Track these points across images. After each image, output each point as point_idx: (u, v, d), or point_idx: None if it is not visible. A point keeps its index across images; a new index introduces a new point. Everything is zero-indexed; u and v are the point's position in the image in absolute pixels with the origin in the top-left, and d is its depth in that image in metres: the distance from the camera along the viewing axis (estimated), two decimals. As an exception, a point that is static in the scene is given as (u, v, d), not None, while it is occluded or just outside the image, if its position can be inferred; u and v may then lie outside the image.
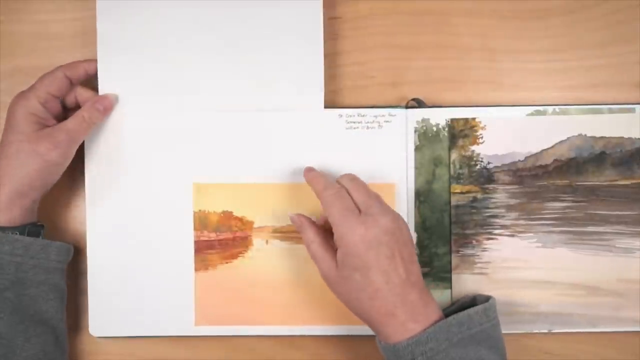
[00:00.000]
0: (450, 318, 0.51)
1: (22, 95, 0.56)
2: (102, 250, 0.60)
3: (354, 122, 0.59)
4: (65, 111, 0.59)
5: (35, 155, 0.54)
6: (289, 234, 0.60)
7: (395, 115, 0.60)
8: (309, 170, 0.57)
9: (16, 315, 0.53)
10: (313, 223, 0.55)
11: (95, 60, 0.59)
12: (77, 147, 0.57)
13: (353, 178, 0.55)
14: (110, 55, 0.59)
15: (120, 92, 0.59)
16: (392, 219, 0.52)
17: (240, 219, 0.60)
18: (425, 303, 0.51)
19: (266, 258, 0.60)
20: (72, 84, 0.58)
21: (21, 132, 0.54)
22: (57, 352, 0.56)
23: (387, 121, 0.60)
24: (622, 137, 0.60)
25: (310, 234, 0.54)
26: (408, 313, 0.50)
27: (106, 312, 0.60)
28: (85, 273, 0.60)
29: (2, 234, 0.53)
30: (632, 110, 0.60)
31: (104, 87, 0.59)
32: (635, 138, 0.60)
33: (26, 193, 0.54)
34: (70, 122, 0.56)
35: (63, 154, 0.55)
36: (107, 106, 0.58)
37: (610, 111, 0.60)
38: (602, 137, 0.60)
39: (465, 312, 0.52)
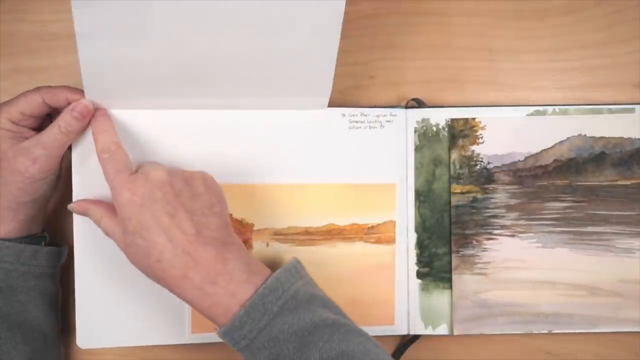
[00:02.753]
0: (259, 290, 0.46)
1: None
2: (91, 256, 0.56)
3: (357, 122, 0.59)
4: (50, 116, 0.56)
5: (15, 174, 0.51)
6: (290, 236, 0.59)
7: (396, 115, 0.60)
8: (98, 117, 0.53)
9: (4, 322, 0.52)
10: (97, 201, 0.53)
11: (79, 90, 0.53)
12: (59, 158, 0.53)
13: None
14: (96, 49, 0.50)
15: (111, 88, 0.54)
16: (169, 172, 0.48)
17: (240, 221, 0.59)
18: (224, 260, 0.47)
19: (267, 261, 0.57)
20: (50, 107, 0.53)
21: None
22: (46, 358, 0.54)
23: (388, 121, 0.59)
24: (622, 137, 0.60)
25: (97, 213, 0.51)
26: (203, 273, 0.46)
27: (95, 322, 0.56)
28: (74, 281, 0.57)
29: None
30: (632, 110, 0.60)
31: (89, 86, 0.53)
32: (635, 138, 0.60)
33: (16, 209, 0.52)
34: (46, 135, 0.52)
35: (43, 169, 0.51)
36: (83, 112, 0.52)
37: (610, 111, 0.60)
38: (602, 137, 0.60)
39: (270, 277, 0.47)
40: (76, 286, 0.56)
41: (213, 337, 0.57)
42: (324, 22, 0.51)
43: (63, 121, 0.52)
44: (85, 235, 0.56)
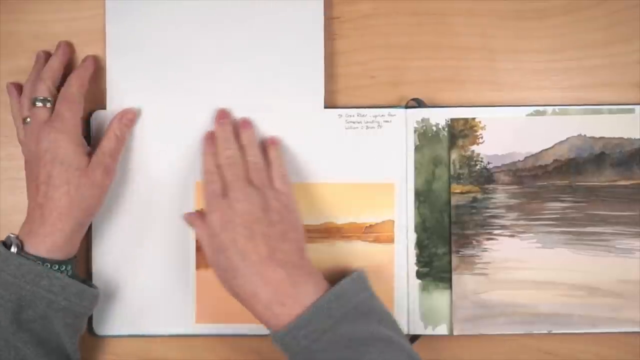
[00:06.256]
0: (326, 294, 0.50)
1: (60, 129, 0.54)
2: (105, 249, 0.59)
3: (354, 122, 0.60)
4: None
5: (93, 187, 0.54)
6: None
7: (395, 115, 0.60)
8: (208, 138, 0.58)
9: (42, 347, 0.52)
10: (204, 222, 0.55)
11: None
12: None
13: (231, 163, 0.55)
14: (118, 55, 0.59)
15: (126, 90, 0.59)
16: (250, 203, 0.53)
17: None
18: (294, 283, 0.50)
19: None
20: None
21: (76, 168, 0.53)
22: None
23: (386, 121, 0.60)
24: (622, 138, 0.60)
25: (199, 235, 0.56)
26: (271, 293, 0.50)
27: (110, 311, 0.59)
28: (89, 272, 0.59)
29: (44, 268, 0.51)
30: (632, 111, 0.60)
31: (111, 86, 0.59)
32: (635, 139, 0.60)
33: (85, 223, 0.55)
34: (108, 144, 0.56)
35: (112, 177, 0.56)
36: (132, 119, 0.58)
37: (610, 111, 0.60)
38: (601, 138, 0.60)
39: (337, 285, 0.51)
40: (92, 279, 0.59)
41: (215, 327, 0.60)
42: (307, 23, 0.59)
43: (118, 129, 0.57)
44: (101, 232, 0.59)
